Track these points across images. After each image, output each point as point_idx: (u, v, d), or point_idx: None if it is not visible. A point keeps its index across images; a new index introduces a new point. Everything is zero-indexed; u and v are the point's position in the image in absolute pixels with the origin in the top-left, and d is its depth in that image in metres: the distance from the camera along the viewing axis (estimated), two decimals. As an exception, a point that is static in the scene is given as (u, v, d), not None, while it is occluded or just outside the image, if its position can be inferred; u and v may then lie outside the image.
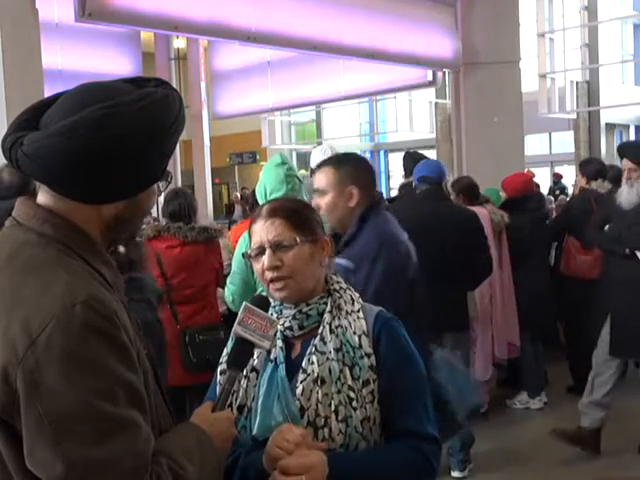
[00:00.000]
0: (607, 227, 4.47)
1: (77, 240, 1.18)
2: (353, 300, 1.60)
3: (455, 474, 4.09)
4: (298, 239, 1.54)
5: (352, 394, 1.47)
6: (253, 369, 1.54)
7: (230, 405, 1.51)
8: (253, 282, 3.12)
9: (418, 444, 1.50)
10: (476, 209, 4.62)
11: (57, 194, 1.17)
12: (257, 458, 1.42)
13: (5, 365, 1.05)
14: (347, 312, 1.56)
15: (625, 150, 4.47)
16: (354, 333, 1.52)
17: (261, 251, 1.56)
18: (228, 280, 3.27)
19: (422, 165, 4.24)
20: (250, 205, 4.15)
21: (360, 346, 1.51)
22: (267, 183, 3.22)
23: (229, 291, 3.23)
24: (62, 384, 1.04)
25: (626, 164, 4.31)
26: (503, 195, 5.43)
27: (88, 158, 1.12)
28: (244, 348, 1.43)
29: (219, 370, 1.60)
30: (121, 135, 1.12)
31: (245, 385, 1.54)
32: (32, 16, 4.88)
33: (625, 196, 4.28)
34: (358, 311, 1.57)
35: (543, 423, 4.66)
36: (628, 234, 4.25)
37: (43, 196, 1.20)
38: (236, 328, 1.42)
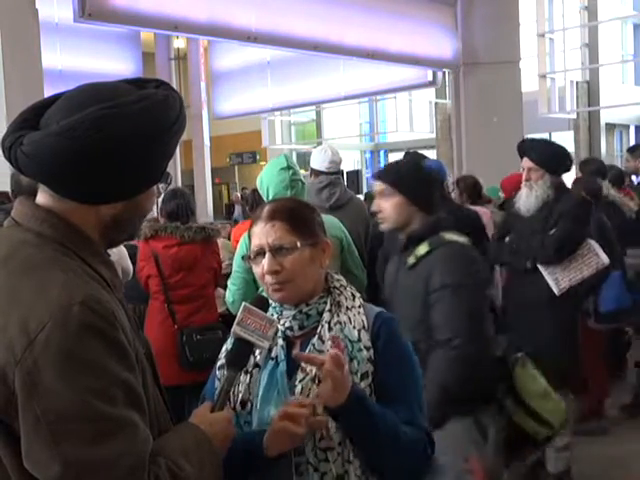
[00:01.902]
0: (507, 238, 3.87)
1: (75, 240, 1.18)
2: (354, 296, 1.60)
3: (455, 474, 4.08)
4: (298, 243, 1.53)
5: None
6: (256, 365, 1.54)
7: (230, 402, 1.51)
8: (254, 282, 3.11)
9: (421, 433, 1.51)
10: (479, 209, 4.62)
11: (56, 194, 1.17)
12: (257, 439, 1.40)
13: (3, 366, 1.05)
14: (347, 308, 1.56)
15: (525, 148, 3.84)
16: (354, 327, 1.53)
17: (261, 254, 1.55)
18: (229, 281, 3.27)
19: (421, 165, 4.22)
20: (250, 205, 4.15)
21: (359, 339, 1.51)
22: (271, 186, 3.20)
23: (230, 292, 3.22)
24: (60, 384, 1.03)
25: (525, 163, 3.76)
26: (502, 195, 5.43)
27: (87, 158, 1.11)
28: (243, 348, 1.43)
29: (218, 365, 1.60)
30: (121, 136, 1.12)
31: (247, 381, 1.54)
32: (32, 16, 4.89)
33: (524, 200, 3.74)
34: (359, 307, 1.57)
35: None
36: (528, 244, 3.69)
37: (42, 196, 1.20)
38: (235, 328, 1.42)
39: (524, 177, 3.76)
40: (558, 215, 3.64)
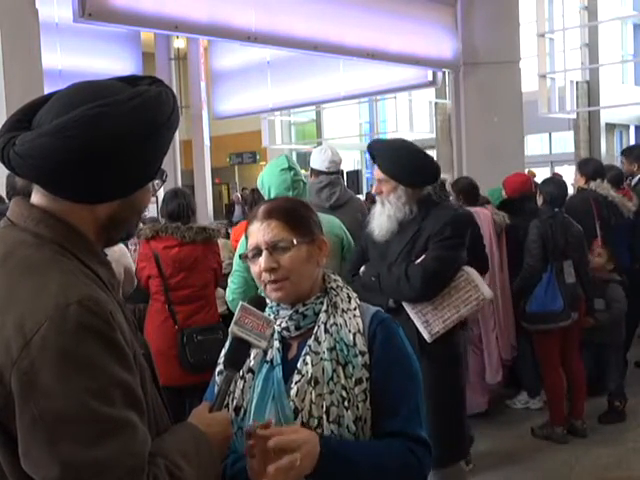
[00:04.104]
0: (363, 268, 3.08)
1: (72, 240, 1.17)
2: (350, 298, 1.59)
3: (455, 474, 4.07)
4: (295, 240, 1.53)
5: (345, 393, 1.46)
6: (250, 370, 1.54)
7: (227, 405, 1.51)
8: (254, 281, 3.12)
9: (409, 444, 1.47)
10: (478, 210, 4.62)
11: (51, 194, 1.17)
12: (244, 467, 1.40)
13: (0, 366, 1.05)
14: (343, 310, 1.55)
15: (374, 153, 3.02)
16: (349, 331, 1.51)
17: (258, 253, 1.55)
18: (230, 279, 3.28)
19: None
20: (250, 205, 4.15)
21: (354, 344, 1.50)
22: (272, 187, 3.21)
23: (230, 290, 3.23)
24: (57, 385, 1.03)
25: (376, 173, 2.98)
26: (504, 194, 5.42)
27: (81, 157, 1.11)
28: (241, 348, 1.43)
29: (217, 370, 1.59)
30: (114, 134, 1.11)
31: (241, 386, 1.53)
32: (32, 16, 4.88)
33: (377, 220, 2.97)
34: (354, 309, 1.56)
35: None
36: (388, 278, 2.90)
37: (37, 196, 1.19)
38: (233, 328, 1.42)
39: (374, 190, 3.01)
40: (427, 237, 2.88)
